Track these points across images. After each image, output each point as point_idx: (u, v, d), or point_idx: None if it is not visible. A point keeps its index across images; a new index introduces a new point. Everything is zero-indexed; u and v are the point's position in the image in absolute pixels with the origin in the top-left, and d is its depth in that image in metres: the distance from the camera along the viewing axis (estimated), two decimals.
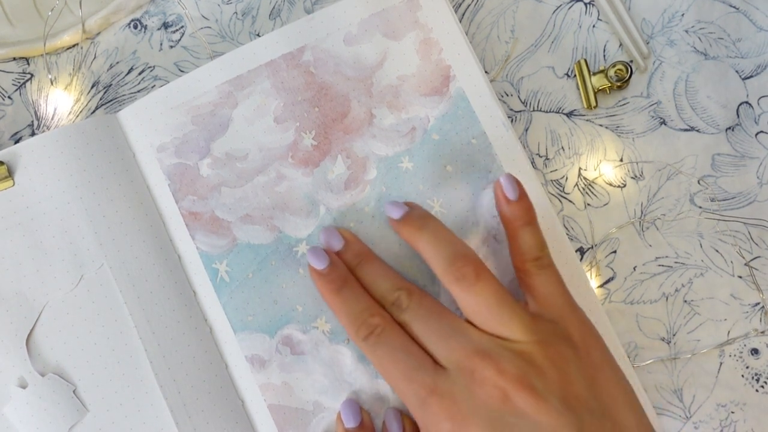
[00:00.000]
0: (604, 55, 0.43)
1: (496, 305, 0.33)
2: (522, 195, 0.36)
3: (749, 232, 0.41)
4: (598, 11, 0.43)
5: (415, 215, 0.36)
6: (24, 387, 0.37)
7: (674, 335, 0.40)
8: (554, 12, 0.43)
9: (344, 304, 0.36)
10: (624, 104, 0.42)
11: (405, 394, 0.33)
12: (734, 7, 0.42)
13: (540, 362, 0.32)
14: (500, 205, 0.36)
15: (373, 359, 0.34)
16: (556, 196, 0.41)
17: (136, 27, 0.44)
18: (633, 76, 0.42)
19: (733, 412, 0.39)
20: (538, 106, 0.42)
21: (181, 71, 0.43)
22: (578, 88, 0.42)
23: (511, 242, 0.36)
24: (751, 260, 0.41)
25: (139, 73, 0.43)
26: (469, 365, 0.32)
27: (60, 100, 0.43)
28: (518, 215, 0.35)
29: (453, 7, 0.43)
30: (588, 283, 0.39)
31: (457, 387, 0.32)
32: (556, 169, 0.42)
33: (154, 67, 0.43)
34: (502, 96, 0.42)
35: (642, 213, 0.41)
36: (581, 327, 0.34)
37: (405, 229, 0.36)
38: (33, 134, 0.43)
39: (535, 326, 0.33)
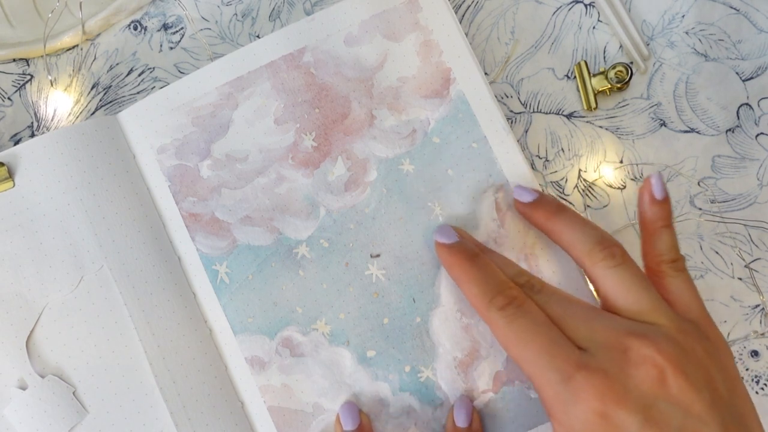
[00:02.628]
0: (605, 57, 0.43)
1: (643, 287, 0.32)
2: (667, 196, 0.35)
3: (749, 234, 0.41)
4: (599, 13, 0.43)
5: (549, 200, 0.36)
6: (24, 388, 0.37)
7: None
8: (554, 13, 0.43)
9: (479, 273, 0.34)
10: (624, 106, 0.42)
11: (543, 369, 0.31)
12: (734, 8, 0.42)
13: (689, 351, 0.31)
14: (644, 203, 0.35)
15: (507, 331, 0.32)
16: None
17: (136, 28, 0.44)
18: (633, 77, 0.42)
19: None
20: (538, 108, 0.42)
21: (181, 72, 0.43)
22: (578, 90, 0.42)
23: (647, 242, 0.35)
24: (751, 262, 0.41)
25: (139, 75, 0.43)
26: (622, 344, 0.30)
27: (60, 101, 0.43)
28: (661, 216, 0.35)
29: (453, 8, 0.43)
30: (588, 285, 0.39)
31: (608, 365, 0.30)
32: (556, 171, 0.42)
33: (154, 68, 0.43)
34: (502, 97, 0.42)
35: None
36: (717, 335, 0.33)
37: (539, 212, 0.36)
38: (33, 135, 0.43)
39: (679, 318, 0.32)
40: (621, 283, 0.33)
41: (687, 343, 0.31)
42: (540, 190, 0.37)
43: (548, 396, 0.31)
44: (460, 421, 0.36)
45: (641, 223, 0.36)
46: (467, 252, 0.35)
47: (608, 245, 0.33)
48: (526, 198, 0.37)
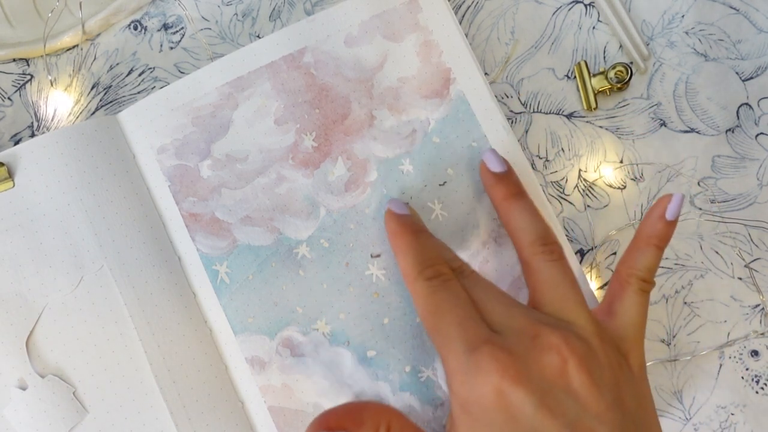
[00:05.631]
0: (605, 57, 0.43)
1: (571, 287, 0.33)
2: (676, 221, 0.35)
3: (749, 234, 0.41)
4: (599, 13, 0.43)
5: (514, 180, 0.37)
6: (24, 388, 0.36)
7: (674, 337, 0.40)
8: (554, 13, 0.43)
9: (419, 246, 0.35)
10: (624, 106, 0.42)
11: (452, 340, 0.31)
12: (734, 8, 0.42)
13: (599, 354, 0.31)
14: (652, 215, 0.35)
15: (428, 301, 0.33)
16: (556, 198, 0.41)
17: (136, 28, 0.44)
18: (633, 77, 0.42)
19: (733, 414, 0.39)
20: (538, 108, 0.42)
21: (181, 72, 0.43)
22: (578, 90, 0.42)
23: (631, 251, 0.35)
24: (751, 262, 0.41)
25: (139, 75, 0.43)
26: (533, 330, 0.31)
27: (60, 101, 0.43)
28: (661, 236, 0.35)
29: (453, 8, 0.43)
30: (588, 285, 0.39)
31: (516, 346, 0.31)
32: (556, 171, 0.42)
33: (154, 68, 0.43)
34: (502, 98, 0.42)
35: (642, 215, 0.41)
36: (640, 361, 0.34)
37: (500, 188, 0.36)
38: (33, 135, 0.43)
39: (599, 324, 0.33)
40: (552, 277, 0.34)
41: (599, 347, 0.32)
42: (509, 165, 0.37)
43: (451, 367, 0.31)
44: None
45: (637, 231, 0.36)
46: (413, 225, 0.36)
47: (550, 242, 0.34)
48: (494, 167, 0.37)
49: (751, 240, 0.41)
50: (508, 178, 0.37)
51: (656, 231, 0.35)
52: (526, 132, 0.42)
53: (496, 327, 0.32)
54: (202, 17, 0.44)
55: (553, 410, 0.29)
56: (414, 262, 0.34)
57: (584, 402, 0.30)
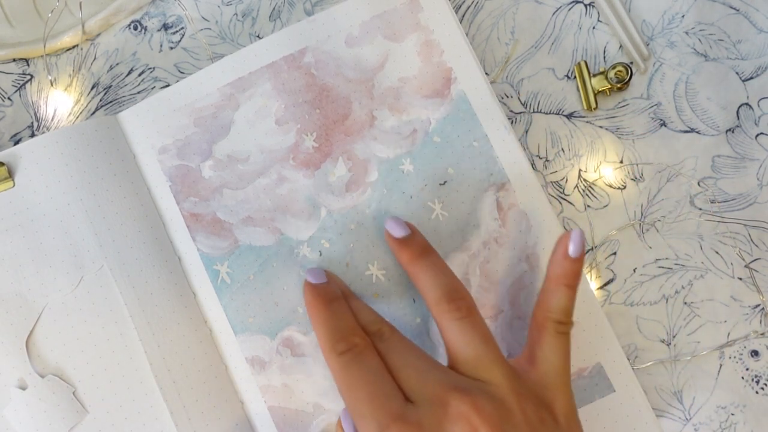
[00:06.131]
0: (605, 57, 0.43)
1: (482, 343, 0.33)
2: (582, 256, 0.35)
3: (749, 234, 0.41)
4: (598, 13, 0.43)
5: (418, 241, 0.36)
6: (24, 388, 0.36)
7: (674, 337, 0.40)
8: (554, 13, 0.43)
9: (331, 317, 0.34)
10: (624, 106, 0.42)
11: (365, 419, 0.31)
12: (734, 8, 0.42)
13: (516, 413, 0.31)
14: (556, 255, 0.35)
15: (342, 377, 0.33)
16: (556, 198, 0.42)
17: (136, 28, 0.44)
18: (633, 77, 0.42)
19: (733, 414, 0.39)
20: (538, 108, 0.42)
21: (181, 72, 0.43)
22: (578, 90, 0.42)
23: (543, 293, 0.35)
24: (751, 262, 0.41)
25: (139, 75, 0.43)
26: (444, 398, 0.31)
27: (60, 101, 0.43)
28: (569, 274, 0.35)
29: (453, 8, 0.43)
30: (588, 284, 0.39)
31: (426, 419, 0.31)
32: (556, 171, 0.42)
33: (154, 68, 0.43)
34: (503, 97, 0.42)
35: (642, 215, 0.41)
36: (568, 406, 0.33)
37: (405, 251, 0.36)
38: (33, 135, 0.43)
39: (516, 378, 0.33)
40: (462, 335, 0.33)
41: (516, 405, 0.31)
42: (412, 228, 0.37)
43: None
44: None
45: (547, 273, 0.36)
46: (326, 295, 0.35)
47: (456, 298, 0.34)
48: (397, 233, 0.36)
49: (751, 240, 0.41)
50: (411, 240, 0.36)
51: (563, 270, 0.35)
52: (526, 132, 0.42)
53: (410, 395, 0.32)
54: (202, 17, 0.44)
55: None
56: (327, 336, 0.34)
57: None
